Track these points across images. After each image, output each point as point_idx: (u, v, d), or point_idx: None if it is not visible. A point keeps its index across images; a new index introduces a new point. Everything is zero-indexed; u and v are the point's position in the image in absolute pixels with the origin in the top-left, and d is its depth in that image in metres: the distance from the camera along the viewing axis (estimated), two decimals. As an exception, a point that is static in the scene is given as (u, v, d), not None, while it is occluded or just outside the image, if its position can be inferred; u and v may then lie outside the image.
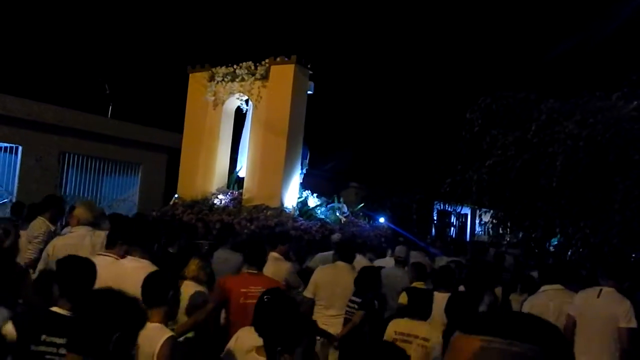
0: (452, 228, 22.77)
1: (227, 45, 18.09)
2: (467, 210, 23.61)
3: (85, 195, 12.37)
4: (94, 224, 4.76)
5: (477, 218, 23.93)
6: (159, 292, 2.86)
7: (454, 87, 21.27)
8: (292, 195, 9.47)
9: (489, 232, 14.27)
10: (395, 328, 3.84)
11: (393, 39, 25.36)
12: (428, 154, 18.32)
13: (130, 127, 13.14)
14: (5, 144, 11.10)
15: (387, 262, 6.69)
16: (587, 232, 7.58)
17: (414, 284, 5.26)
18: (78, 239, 4.47)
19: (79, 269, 2.84)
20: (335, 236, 7.70)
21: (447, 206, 21.61)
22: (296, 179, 9.69)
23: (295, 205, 9.52)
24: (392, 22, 26.30)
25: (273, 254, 5.07)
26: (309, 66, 9.60)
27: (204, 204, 9.46)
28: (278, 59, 9.35)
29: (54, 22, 18.43)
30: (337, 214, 10.08)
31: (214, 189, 9.95)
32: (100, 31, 19.38)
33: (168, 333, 2.77)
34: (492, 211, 10.50)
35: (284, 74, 9.25)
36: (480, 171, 8.68)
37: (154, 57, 19.65)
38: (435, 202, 20.83)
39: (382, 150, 20.23)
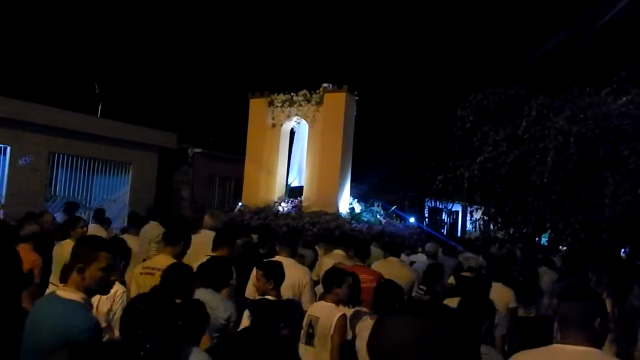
0: (444, 225, 22.87)
1: (269, 75, 18.53)
2: (458, 207, 23.74)
3: (75, 195, 12.29)
4: (215, 229, 5.85)
5: (468, 215, 24.07)
6: (334, 281, 4.09)
7: (444, 83, 21.33)
8: (344, 202, 11.19)
9: (480, 228, 14.35)
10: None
11: (383, 35, 25.39)
12: (419, 151, 18.39)
13: (120, 126, 13.07)
14: (-6, 145, 11.02)
15: (419, 257, 8.09)
16: (577, 227, 7.60)
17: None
18: (206, 239, 5.40)
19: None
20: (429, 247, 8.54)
21: (438, 203, 21.71)
22: (347, 188, 11.39)
23: (347, 210, 11.16)
24: (381, 15, 26.31)
25: (339, 252, 6.37)
26: (355, 93, 11.30)
27: (269, 211, 10.93)
28: (331, 88, 11.13)
29: (41, 21, 18.26)
30: (378, 217, 11.56)
31: (275, 198, 11.48)
32: (89, 31, 19.24)
33: (341, 311, 3.93)
34: (483, 208, 10.53)
35: (336, 100, 11.03)
36: (471, 167, 8.70)
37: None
38: (427, 199, 20.93)
39: (374, 148, 20.26)
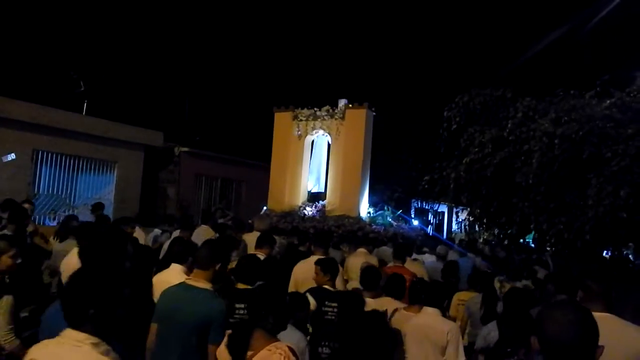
0: (430, 226, 22.97)
1: (293, 90, 18.73)
2: (444, 208, 23.84)
3: (59, 193, 12.14)
4: (262, 231, 6.96)
5: (454, 215, 24.20)
6: (376, 279, 4.85)
7: (431, 85, 21.43)
8: (364, 207, 12.40)
9: (465, 229, 14.46)
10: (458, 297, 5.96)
11: (372, 36, 25.46)
12: (406, 152, 18.45)
13: (106, 124, 12.92)
14: (-24, 142, 10.83)
15: (426, 258, 8.50)
16: (561, 228, 7.71)
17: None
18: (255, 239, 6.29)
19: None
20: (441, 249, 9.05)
21: (424, 204, 21.79)
22: (366, 194, 12.53)
23: (366, 214, 12.34)
24: (370, 15, 26.39)
25: (362, 250, 7.11)
26: (373, 109, 12.44)
27: (295, 215, 11.98)
28: (353, 104, 12.32)
29: (26, 18, 18.03)
30: (388, 219, 12.59)
31: (299, 203, 12.54)
32: (75, 27, 19.03)
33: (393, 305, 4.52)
34: (468, 209, 10.63)
35: (358, 116, 12.20)
36: (457, 169, 8.77)
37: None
38: (413, 200, 21.00)
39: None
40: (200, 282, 3.45)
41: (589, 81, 8.47)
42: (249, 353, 2.71)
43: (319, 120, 12.58)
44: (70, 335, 1.92)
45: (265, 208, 12.89)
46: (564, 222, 7.66)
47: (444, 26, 24.98)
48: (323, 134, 12.87)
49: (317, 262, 5.03)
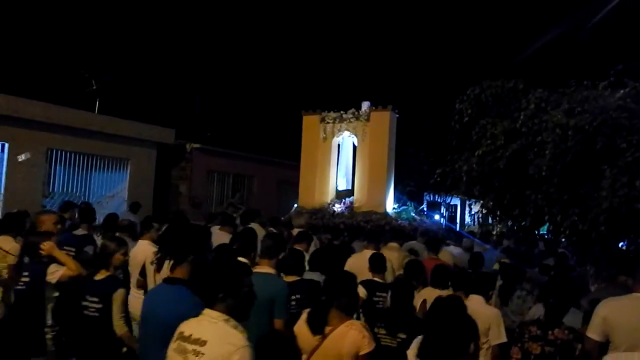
0: (442, 219, 22.90)
1: (320, 93, 19.20)
2: (456, 201, 23.75)
3: (74, 191, 12.27)
4: (301, 226, 7.89)
5: (466, 208, 24.09)
6: (421, 271, 5.34)
7: (442, 77, 21.32)
8: (390, 203, 13.22)
9: (478, 221, 14.39)
10: None
11: (383, 29, 25.36)
12: (417, 145, 18.37)
13: (118, 122, 13.03)
14: (-8, 142, 10.98)
15: (451, 250, 8.70)
16: (575, 220, 7.63)
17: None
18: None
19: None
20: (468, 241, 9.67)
21: (436, 197, 21.71)
22: (392, 191, 13.37)
23: (392, 209, 13.14)
24: (382, 8, 26.27)
25: (393, 244, 7.56)
26: (396, 111, 13.28)
27: (325, 211, 12.82)
28: (377, 107, 13.17)
29: (38, 18, 18.19)
30: (412, 214, 13.45)
31: (328, 200, 13.40)
32: (86, 27, 19.17)
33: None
34: (481, 201, 10.57)
35: (382, 118, 13.13)
36: (469, 161, 8.71)
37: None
38: (425, 193, 20.92)
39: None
40: (265, 268, 3.97)
41: (603, 71, 8.36)
42: (328, 328, 3.15)
43: (345, 122, 13.48)
44: (207, 313, 2.44)
45: (295, 205, 13.72)
46: (578, 213, 7.58)
47: (455, 18, 24.81)
48: (349, 135, 13.73)
49: (370, 258, 5.58)
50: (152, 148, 14.02)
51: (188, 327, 2.46)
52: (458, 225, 23.56)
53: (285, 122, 21.24)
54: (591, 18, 16.73)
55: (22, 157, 11.02)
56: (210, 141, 16.28)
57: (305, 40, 24.07)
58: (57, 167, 11.97)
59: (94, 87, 13.97)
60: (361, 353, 3.10)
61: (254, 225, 7.89)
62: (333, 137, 13.73)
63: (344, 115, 13.46)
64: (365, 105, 13.42)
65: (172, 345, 2.47)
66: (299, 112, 13.98)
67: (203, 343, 2.34)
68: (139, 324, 3.18)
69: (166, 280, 3.10)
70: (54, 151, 11.80)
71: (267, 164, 17.59)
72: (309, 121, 13.95)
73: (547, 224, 8.66)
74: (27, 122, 11.00)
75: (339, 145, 14.04)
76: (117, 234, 5.42)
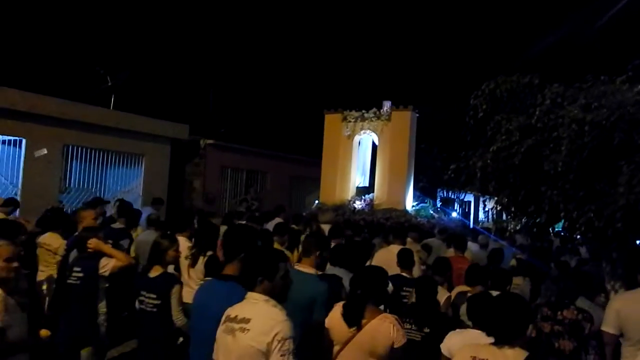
0: (431, 213, 22.78)
1: (345, 95, 19.18)
2: (470, 198, 23.60)
3: (89, 187, 12.40)
4: (326, 222, 8.09)
5: (480, 205, 23.93)
6: (447, 267, 5.65)
7: (456, 72, 21.17)
8: (409, 200, 13.61)
9: (493, 218, 14.32)
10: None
11: (396, 24, 25.23)
12: (430, 141, 18.28)
13: (133, 118, 13.13)
14: (10, 137, 11.11)
15: (469, 247, 8.74)
16: (591, 217, 7.54)
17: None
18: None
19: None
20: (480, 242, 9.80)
21: (450, 193, 21.59)
22: (411, 189, 13.77)
23: (412, 207, 13.53)
24: (397, 3, 26.13)
25: (409, 240, 7.71)
26: (417, 111, 13.63)
27: (346, 207, 13.26)
28: (399, 107, 13.57)
29: (54, 15, 18.37)
30: (430, 212, 13.85)
31: (349, 197, 13.82)
32: (102, 24, 19.32)
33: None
34: (495, 197, 10.49)
35: (403, 117, 13.50)
36: (484, 157, 8.65)
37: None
38: (438, 190, 20.81)
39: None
40: (307, 268, 3.98)
41: (620, 66, 8.25)
42: (363, 321, 3.28)
43: (366, 121, 13.81)
44: (249, 296, 2.77)
45: (317, 202, 14.18)
46: (594, 210, 7.48)
47: (469, 13, 24.61)
48: (369, 134, 14.05)
49: (398, 253, 5.76)
50: (166, 144, 14.12)
51: (233, 310, 2.76)
52: (472, 222, 23.43)
53: (299, 119, 21.29)
54: (609, 11, 16.49)
55: (39, 153, 11.15)
56: (223, 137, 16.34)
57: (320, 37, 24.04)
58: (73, 163, 12.10)
59: (109, 84, 14.10)
60: (396, 346, 3.24)
61: (277, 220, 8.17)
62: (354, 135, 14.07)
63: (366, 115, 13.80)
64: (386, 104, 13.68)
65: (221, 328, 2.76)
66: (314, 108, 14.28)
67: (247, 321, 2.63)
68: (190, 316, 3.38)
69: (218, 277, 3.33)
70: (70, 147, 11.93)
71: (280, 160, 17.63)
72: (331, 120, 14.29)
73: (563, 221, 8.58)
74: (43, 118, 11.13)
75: (359, 143, 14.32)
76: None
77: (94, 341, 4.55)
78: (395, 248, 6.13)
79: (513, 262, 7.92)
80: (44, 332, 3.49)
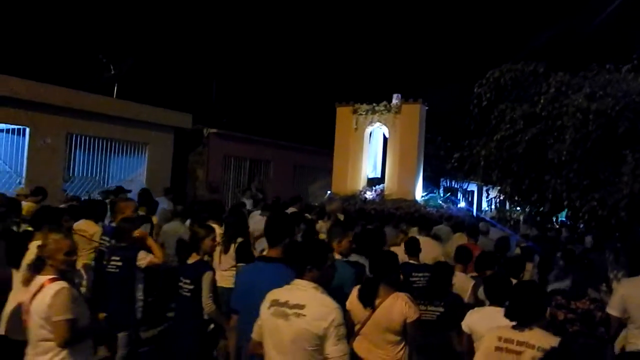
0: (440, 203, 22.77)
1: (351, 86, 19.37)
2: (473, 187, 23.57)
3: (93, 176, 12.43)
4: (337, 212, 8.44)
5: (484, 194, 23.91)
6: (469, 256, 5.75)
7: (460, 61, 21.07)
8: (419, 191, 14.12)
9: (496, 207, 14.33)
10: None
11: (400, 13, 25.08)
12: (434, 130, 18.22)
13: (136, 107, 13.12)
14: (13, 126, 11.13)
15: None
16: (594, 206, 7.55)
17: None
18: None
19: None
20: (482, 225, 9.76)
21: (453, 183, 21.56)
22: (420, 180, 14.21)
23: (421, 197, 14.06)
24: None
25: (415, 229, 7.76)
26: (426, 104, 14.07)
27: (357, 198, 13.69)
28: (409, 100, 14.02)
29: (57, 3, 18.31)
30: (438, 201, 14.33)
31: (360, 187, 14.30)
32: (104, 12, 19.26)
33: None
34: (499, 187, 10.50)
35: (412, 110, 13.95)
36: (487, 146, 8.65)
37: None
38: (442, 179, 20.79)
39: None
40: (335, 254, 4.10)
41: (626, 55, 8.20)
42: (378, 300, 3.56)
43: (377, 114, 14.24)
44: (297, 283, 2.88)
45: (329, 192, 14.59)
46: (598, 199, 7.50)
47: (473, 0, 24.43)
48: (380, 126, 14.50)
49: (405, 243, 6.07)
50: (169, 133, 14.12)
51: (281, 294, 2.88)
52: (474, 212, 23.40)
53: (303, 108, 21.25)
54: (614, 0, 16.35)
55: (42, 142, 11.17)
56: (226, 126, 16.32)
57: (325, 26, 23.93)
58: (77, 152, 12.11)
59: (112, 72, 14.07)
60: (408, 321, 3.53)
61: (292, 209, 8.37)
62: (365, 128, 14.47)
63: (376, 108, 14.23)
64: (395, 97, 14.05)
65: (268, 311, 2.87)
66: (319, 98, 14.43)
67: (302, 307, 2.77)
68: (236, 296, 3.60)
69: (262, 259, 3.62)
70: (74, 136, 11.94)
71: (284, 149, 17.62)
72: (342, 112, 14.72)
73: (566, 210, 8.59)
74: (47, 107, 11.13)
75: (370, 135, 14.69)
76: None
77: (131, 325, 4.78)
78: (423, 239, 6.39)
79: (517, 250, 7.99)
80: (101, 315, 3.64)
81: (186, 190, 14.80)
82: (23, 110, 10.82)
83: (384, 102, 14.20)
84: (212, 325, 4.33)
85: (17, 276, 3.98)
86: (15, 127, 11.13)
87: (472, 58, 20.28)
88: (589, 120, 7.38)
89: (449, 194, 16.06)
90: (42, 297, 3.07)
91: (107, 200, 7.76)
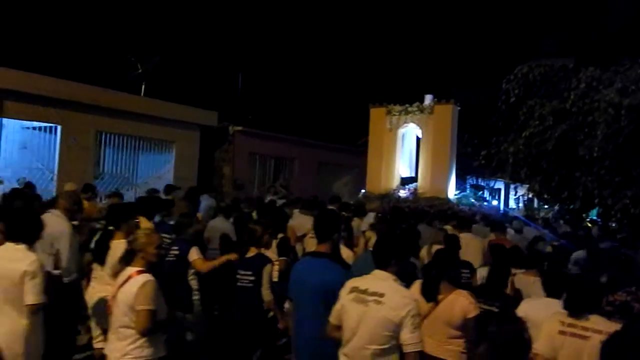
0: (485, 203, 22.48)
1: (385, 87, 19.67)
2: (500, 185, 23.26)
3: (122, 173, 12.65)
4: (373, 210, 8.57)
5: (511, 192, 23.56)
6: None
7: (487, 57, 20.80)
8: (451, 189, 14.37)
9: (524, 204, 14.17)
10: None
11: (429, 10, 24.87)
12: (460, 127, 18.03)
13: (163, 105, 13.29)
14: (46, 124, 11.39)
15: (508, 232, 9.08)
16: (627, 203, 7.41)
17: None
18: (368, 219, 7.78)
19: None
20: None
21: (479, 180, 21.30)
22: (453, 178, 14.47)
23: (453, 195, 14.30)
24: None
25: (448, 227, 7.92)
26: (458, 104, 14.28)
27: (392, 196, 13.97)
28: (442, 101, 14.28)
29: (87, 6, 18.67)
30: (471, 200, 14.61)
31: (393, 186, 14.64)
32: (132, 13, 19.57)
33: None
34: (527, 184, 10.35)
35: (445, 111, 14.17)
36: (516, 143, 8.54)
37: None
38: (468, 177, 20.56)
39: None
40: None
41: (659, 48, 8.00)
42: (440, 296, 3.75)
43: (410, 115, 14.61)
44: (377, 273, 3.13)
45: (363, 191, 15.01)
46: (630, 196, 7.35)
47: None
48: (413, 127, 14.90)
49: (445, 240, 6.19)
50: (196, 130, 14.27)
51: (361, 283, 3.13)
52: (501, 210, 23.07)
53: (328, 105, 21.24)
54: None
55: (73, 140, 11.41)
56: (251, 123, 16.42)
57: (349, 24, 23.87)
58: (106, 149, 12.34)
59: (140, 71, 14.28)
60: (468, 316, 3.72)
61: (331, 208, 8.51)
62: (398, 128, 14.87)
63: (409, 109, 14.61)
64: (428, 98, 14.48)
65: (348, 297, 3.11)
66: (343, 95, 14.43)
67: (382, 295, 2.99)
68: (290, 286, 3.82)
69: (311, 254, 3.83)
70: (103, 134, 12.16)
71: (309, 146, 17.65)
72: (376, 113, 15.15)
73: (597, 208, 8.43)
74: (78, 105, 11.36)
75: (403, 135, 15.12)
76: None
77: (188, 309, 5.05)
78: (465, 236, 6.60)
79: (549, 248, 7.96)
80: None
81: (213, 186, 14.95)
82: (54, 108, 11.07)
83: (417, 103, 14.56)
84: (271, 312, 4.68)
85: (98, 271, 4.46)
86: (47, 125, 11.40)
87: (499, 54, 19.99)
88: (621, 115, 7.23)
89: (481, 192, 16.31)
90: (129, 287, 3.32)
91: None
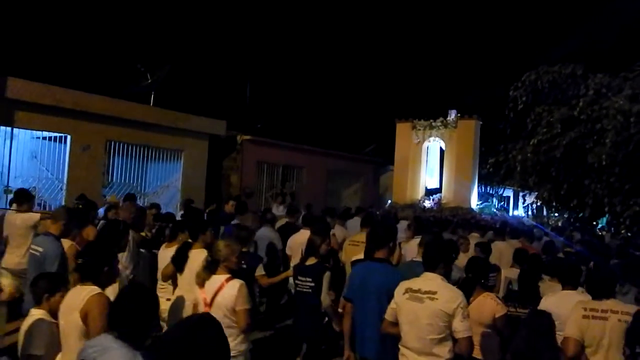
0: (494, 210, 22.34)
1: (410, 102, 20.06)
2: (509, 192, 23.13)
3: (131, 182, 12.70)
4: (408, 219, 8.73)
5: (520, 200, 23.42)
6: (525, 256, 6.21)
7: (494, 63, 20.76)
8: (474, 199, 15.43)
9: (533, 212, 14.09)
10: None
11: (430, 14, 24.88)
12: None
13: (172, 115, 13.37)
14: (55, 134, 11.49)
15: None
16: (637, 210, 7.33)
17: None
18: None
19: None
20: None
21: (488, 188, 21.20)
22: (475, 189, 15.56)
23: (476, 205, 15.36)
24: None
25: (474, 234, 8.34)
26: (480, 118, 15.24)
27: (417, 206, 15.00)
28: (464, 116, 15.38)
29: (97, 15, 18.87)
30: (493, 209, 15.93)
31: (419, 197, 15.82)
32: (141, 23, 19.75)
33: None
34: (535, 192, 10.27)
35: (468, 126, 15.30)
36: (524, 150, 8.48)
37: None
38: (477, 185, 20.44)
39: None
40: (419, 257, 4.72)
41: (669, 54, 7.93)
42: (471, 299, 4.18)
43: (434, 129, 15.73)
44: (426, 275, 3.61)
45: (389, 201, 16.24)
46: (640, 204, 7.26)
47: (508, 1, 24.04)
48: (437, 140, 15.94)
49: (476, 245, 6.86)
50: (204, 139, 14.32)
51: (414, 284, 3.61)
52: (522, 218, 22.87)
53: (337, 113, 21.26)
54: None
55: (82, 149, 11.49)
56: (260, 132, 16.46)
57: (361, 34, 23.93)
58: (116, 158, 12.40)
59: (149, 81, 14.37)
60: (497, 316, 4.28)
61: (356, 219, 9.04)
62: (423, 142, 16.01)
63: (434, 123, 15.73)
64: (452, 113, 15.44)
65: (403, 297, 3.59)
66: (353, 104, 14.80)
67: (434, 293, 3.48)
68: (351, 289, 4.30)
69: (372, 259, 4.23)
70: (113, 143, 12.24)
71: (317, 155, 17.66)
72: (402, 128, 16.35)
73: (607, 215, 8.34)
74: (87, 114, 11.44)
75: (427, 149, 16.21)
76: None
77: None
78: (500, 244, 7.12)
79: (561, 254, 7.99)
80: None
81: (221, 195, 14.98)
82: (65, 118, 11.16)
83: (440, 118, 15.64)
84: (327, 318, 5.13)
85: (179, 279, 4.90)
86: (58, 134, 11.49)
87: (508, 60, 19.94)
88: (630, 122, 7.18)
89: (502, 202, 17.66)
90: (227, 292, 3.81)
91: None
